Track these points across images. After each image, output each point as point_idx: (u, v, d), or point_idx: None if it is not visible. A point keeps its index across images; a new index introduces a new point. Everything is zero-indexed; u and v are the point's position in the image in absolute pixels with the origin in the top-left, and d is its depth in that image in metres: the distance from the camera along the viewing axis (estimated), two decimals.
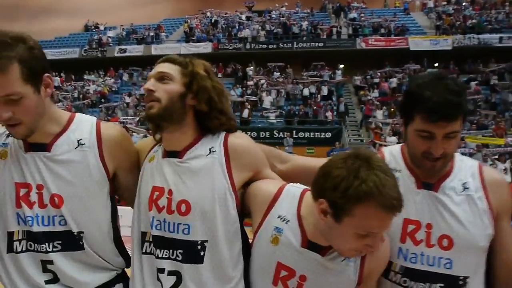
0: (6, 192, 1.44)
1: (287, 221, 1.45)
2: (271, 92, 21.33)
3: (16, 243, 1.44)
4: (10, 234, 1.44)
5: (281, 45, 24.90)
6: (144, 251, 1.52)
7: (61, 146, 1.47)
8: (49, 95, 1.44)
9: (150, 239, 1.50)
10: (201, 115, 1.52)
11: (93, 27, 31.23)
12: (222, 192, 1.47)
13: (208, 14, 29.77)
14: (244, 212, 1.55)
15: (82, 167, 1.47)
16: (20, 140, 1.45)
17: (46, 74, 1.40)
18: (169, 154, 1.53)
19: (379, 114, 18.39)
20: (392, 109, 18.43)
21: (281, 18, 26.98)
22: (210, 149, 1.51)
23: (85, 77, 26.19)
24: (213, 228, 1.46)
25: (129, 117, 19.84)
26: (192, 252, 1.46)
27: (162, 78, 1.49)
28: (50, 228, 1.45)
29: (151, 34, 27.62)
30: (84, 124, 1.54)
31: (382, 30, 24.72)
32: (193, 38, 26.46)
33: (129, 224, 1.58)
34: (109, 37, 28.47)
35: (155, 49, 25.65)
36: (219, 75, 24.59)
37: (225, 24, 27.82)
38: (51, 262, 1.44)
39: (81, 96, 24.07)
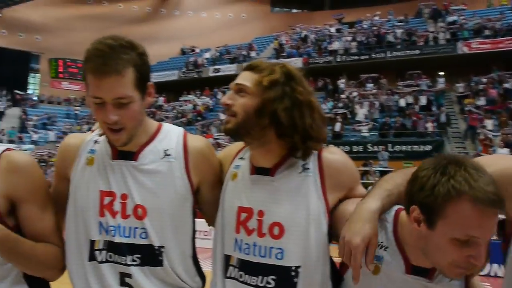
0: (90, 199, 1.40)
1: (385, 248, 1.28)
2: (364, 104, 20.62)
3: (97, 253, 1.39)
4: (92, 243, 1.40)
5: (374, 56, 24.08)
6: (228, 275, 1.42)
7: (148, 155, 1.42)
8: (150, 104, 1.42)
9: (236, 264, 1.40)
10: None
11: (189, 51, 33.28)
12: (317, 213, 1.35)
13: (298, 29, 30.00)
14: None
15: (167, 178, 1.41)
16: (108, 147, 1.42)
17: (150, 83, 1.38)
18: (258, 170, 1.42)
19: (489, 124, 16.68)
20: (504, 118, 16.64)
21: (373, 28, 26.14)
22: (303, 166, 1.38)
23: (182, 98, 27.84)
24: (307, 253, 1.34)
25: (222, 134, 20.57)
26: (286, 279, 1.34)
27: (239, 90, 1.38)
28: (131, 240, 1.38)
29: (243, 53, 28.58)
30: (171, 134, 1.47)
31: (487, 32, 22.68)
32: (283, 54, 26.80)
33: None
34: (205, 58, 30.07)
35: None
36: None
37: (315, 38, 27.75)
38: (129, 275, 1.38)
39: (179, 115, 25.58)
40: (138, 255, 1.38)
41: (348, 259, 1.20)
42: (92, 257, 1.41)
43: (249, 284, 1.36)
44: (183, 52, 33.79)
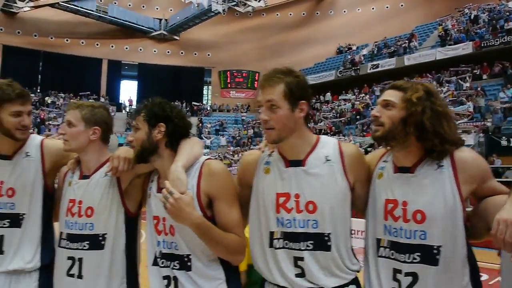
0: (269, 200, 1.81)
1: None
2: None
3: (275, 241, 1.78)
4: (271, 234, 1.80)
5: None
6: (379, 254, 1.76)
7: (313, 161, 1.79)
8: (301, 118, 1.78)
9: (386, 245, 1.74)
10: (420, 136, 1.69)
11: (346, 49, 32.97)
12: (452, 202, 1.65)
13: (466, 10, 26.92)
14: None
15: (330, 178, 1.77)
16: (281, 159, 1.84)
17: (303, 101, 1.77)
18: (401, 169, 1.76)
19: None
20: None
21: None
22: (438, 164, 1.70)
23: (341, 97, 27.75)
24: (446, 235, 1.64)
25: None
26: (429, 256, 1.65)
27: (386, 105, 1.75)
28: (305, 230, 1.75)
29: (403, 45, 26.99)
30: (328, 143, 1.84)
31: None
32: (449, 40, 24.40)
33: None
34: (362, 55, 29.41)
35: (407, 60, 24.91)
36: (484, 76, 21.77)
37: (488, 18, 24.47)
38: (302, 259, 1.74)
39: (338, 114, 25.56)
40: (311, 242, 1.74)
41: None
42: (271, 245, 1.80)
43: (399, 260, 1.69)
44: (339, 51, 33.66)
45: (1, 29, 31.31)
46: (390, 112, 1.73)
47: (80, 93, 30.45)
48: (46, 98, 29.69)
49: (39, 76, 33.24)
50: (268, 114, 1.74)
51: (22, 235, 2.11)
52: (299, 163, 1.79)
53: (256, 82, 35.26)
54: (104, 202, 2.00)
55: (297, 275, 1.74)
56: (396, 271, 1.69)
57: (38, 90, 31.84)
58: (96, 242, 1.98)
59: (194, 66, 36.33)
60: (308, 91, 1.80)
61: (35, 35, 32.34)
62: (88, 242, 1.98)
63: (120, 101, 35.01)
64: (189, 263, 1.83)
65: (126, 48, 35.38)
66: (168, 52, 36.38)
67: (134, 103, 34.80)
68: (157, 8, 36.21)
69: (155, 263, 1.91)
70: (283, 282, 1.76)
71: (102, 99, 31.41)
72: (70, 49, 33.21)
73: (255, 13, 35.63)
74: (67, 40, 33.43)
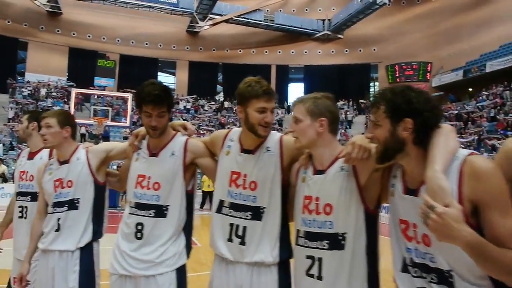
0: None
1: None
2: None
3: None
4: None
5: None
6: None
7: None
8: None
9: None
10: None
11: None
12: None
13: None
14: None
15: None
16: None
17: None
18: None
19: None
20: None
21: None
22: None
23: None
24: None
25: None
26: None
27: None
28: None
29: None
30: None
31: None
32: None
33: None
34: None
35: None
36: None
37: None
38: None
39: None
40: None
41: None
42: None
43: None
44: None
45: (188, 48, 35.98)
46: None
47: None
48: (225, 103, 32.86)
49: (219, 86, 37.10)
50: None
51: (263, 228, 2.18)
52: None
53: (428, 74, 32.50)
54: (343, 198, 1.92)
55: None
56: None
57: (217, 98, 35.57)
58: (336, 241, 1.91)
59: (360, 63, 35.46)
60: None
61: (214, 50, 36.19)
62: (327, 242, 1.92)
63: (289, 104, 36.51)
64: (450, 279, 1.57)
65: (292, 52, 36.68)
66: (333, 51, 36.36)
67: None
68: (319, 10, 36.59)
69: (404, 270, 1.73)
70: None
71: None
72: (243, 58, 36.09)
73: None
74: (240, 51, 36.44)
